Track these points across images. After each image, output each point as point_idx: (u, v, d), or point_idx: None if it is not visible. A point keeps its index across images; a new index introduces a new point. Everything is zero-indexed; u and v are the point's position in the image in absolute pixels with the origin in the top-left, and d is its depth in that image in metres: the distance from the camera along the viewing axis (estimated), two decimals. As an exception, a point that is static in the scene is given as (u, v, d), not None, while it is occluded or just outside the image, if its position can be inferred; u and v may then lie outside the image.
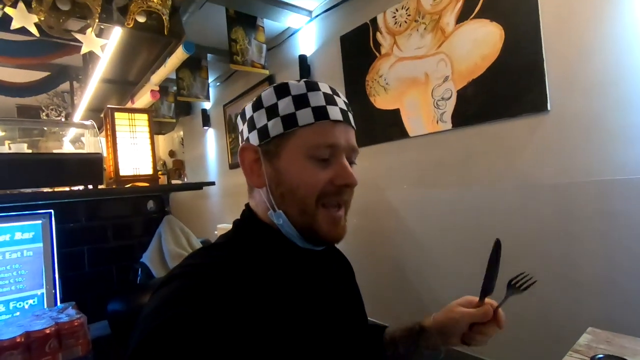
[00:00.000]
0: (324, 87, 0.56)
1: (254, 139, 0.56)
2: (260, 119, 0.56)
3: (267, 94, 0.56)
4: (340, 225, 0.56)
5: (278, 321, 0.47)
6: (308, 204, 0.53)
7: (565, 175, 1.26)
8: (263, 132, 0.55)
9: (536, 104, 1.31)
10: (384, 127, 1.86)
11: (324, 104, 0.54)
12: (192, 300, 0.42)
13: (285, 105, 0.54)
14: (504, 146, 1.43)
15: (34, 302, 1.18)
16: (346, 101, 0.60)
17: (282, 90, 0.55)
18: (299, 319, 0.50)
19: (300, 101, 0.54)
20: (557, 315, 1.30)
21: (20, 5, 1.22)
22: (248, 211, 0.61)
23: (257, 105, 0.56)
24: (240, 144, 0.60)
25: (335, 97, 0.57)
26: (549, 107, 1.28)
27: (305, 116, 0.53)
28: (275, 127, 0.54)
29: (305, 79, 0.56)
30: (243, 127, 0.59)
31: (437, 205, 1.67)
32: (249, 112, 0.58)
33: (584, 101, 1.21)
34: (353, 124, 0.58)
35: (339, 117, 0.55)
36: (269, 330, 0.45)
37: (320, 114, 0.53)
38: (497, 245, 0.60)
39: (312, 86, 0.55)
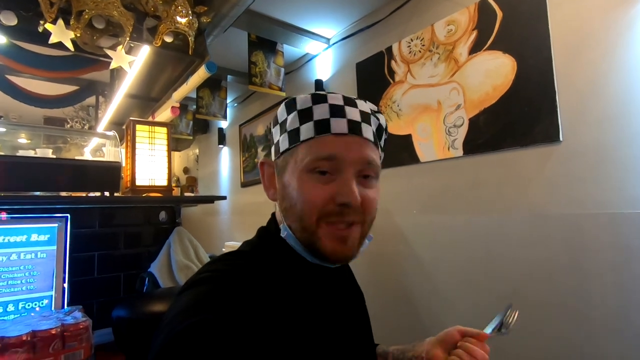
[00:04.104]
0: (333, 99, 0.54)
1: (273, 153, 0.59)
2: (276, 134, 0.58)
3: (280, 110, 0.57)
4: (347, 244, 0.52)
5: (290, 333, 0.47)
6: (307, 221, 0.51)
7: (577, 206, 1.25)
8: (277, 148, 0.57)
9: (548, 134, 1.32)
10: (395, 151, 1.88)
11: (327, 116, 0.51)
12: (216, 306, 0.43)
13: (292, 121, 0.54)
14: (515, 175, 1.43)
15: (42, 304, 1.20)
16: (367, 110, 0.56)
17: (290, 105, 0.55)
18: (309, 334, 0.50)
19: (305, 115, 0.53)
20: (568, 351, 1.25)
21: (60, 22, 1.31)
22: (273, 221, 0.61)
23: (274, 121, 0.58)
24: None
25: (348, 107, 0.53)
26: (561, 138, 1.29)
27: (307, 130, 0.52)
28: (283, 142, 0.55)
29: (314, 92, 0.55)
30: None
31: (446, 232, 1.66)
32: (272, 127, 0.60)
33: (597, 133, 1.21)
34: (371, 135, 0.54)
35: (344, 129, 0.51)
36: (288, 341, 0.46)
37: (321, 127, 0.51)
38: (508, 307, 0.66)
39: (318, 99, 0.53)
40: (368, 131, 0.54)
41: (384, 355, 0.70)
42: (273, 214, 0.62)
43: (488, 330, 0.62)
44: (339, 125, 0.51)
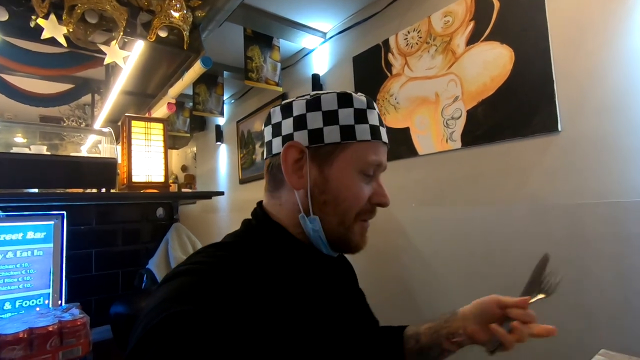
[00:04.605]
0: (376, 108, 0.59)
1: (301, 138, 0.54)
2: (315, 120, 0.54)
3: (329, 99, 0.55)
4: (365, 237, 0.59)
5: (284, 323, 0.46)
6: (348, 216, 0.55)
7: (577, 196, 1.25)
8: (316, 135, 0.54)
9: (547, 124, 1.31)
10: (393, 145, 1.87)
11: (377, 124, 0.57)
12: (194, 297, 0.42)
13: (346, 116, 0.54)
14: (514, 166, 1.42)
15: (40, 301, 1.19)
16: None
17: (346, 99, 0.55)
18: (304, 322, 0.49)
19: (360, 116, 0.55)
20: (568, 340, 1.24)
21: (52, 17, 1.29)
22: (261, 211, 0.60)
23: (314, 106, 0.55)
24: (270, 137, 0.59)
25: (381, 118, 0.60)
26: (559, 128, 1.28)
27: (363, 132, 0.55)
28: (332, 134, 0.54)
29: (363, 95, 0.58)
30: (283, 121, 0.57)
31: (446, 225, 1.65)
32: (299, 109, 0.56)
33: (596, 122, 1.20)
34: None
35: (386, 139, 0.59)
36: (273, 332, 0.44)
37: (376, 133, 0.56)
38: (546, 259, 0.64)
39: (370, 104, 0.57)
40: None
41: (415, 337, 0.69)
42: (260, 204, 0.61)
43: (530, 294, 0.60)
44: (384, 135, 0.58)
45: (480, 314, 0.62)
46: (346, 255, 0.70)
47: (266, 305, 0.46)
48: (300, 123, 0.55)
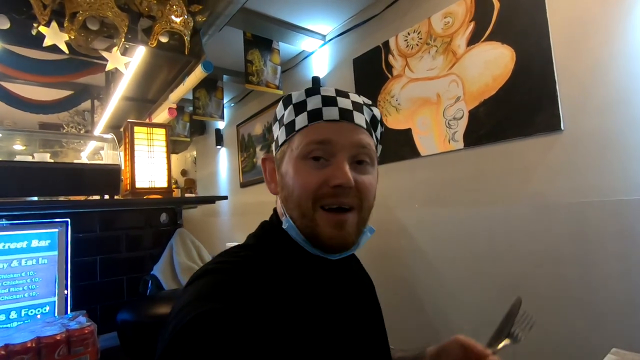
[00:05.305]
0: (326, 91, 0.56)
1: (274, 148, 0.61)
2: (275, 130, 0.60)
3: (279, 107, 0.60)
4: (345, 229, 0.52)
5: (290, 324, 0.47)
6: (305, 205, 0.52)
7: (580, 195, 1.25)
8: (276, 143, 0.59)
9: (549, 123, 1.31)
10: (395, 146, 1.87)
11: (320, 106, 0.54)
12: (221, 295, 0.43)
13: (288, 114, 0.57)
14: (517, 166, 1.42)
15: (45, 310, 1.19)
16: (359, 101, 0.58)
17: (287, 100, 0.58)
18: (310, 326, 0.49)
19: (299, 108, 0.56)
20: (577, 340, 1.24)
21: (53, 24, 1.29)
22: (275, 214, 0.62)
23: (274, 119, 0.62)
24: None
25: (340, 97, 0.56)
26: (562, 127, 1.28)
27: (301, 121, 0.55)
28: (281, 136, 0.58)
29: (308, 87, 0.58)
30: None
31: (449, 225, 1.65)
32: (273, 124, 0.63)
33: (599, 120, 1.21)
34: (363, 122, 0.56)
35: (336, 116, 0.53)
36: (285, 332, 0.45)
37: (314, 116, 0.54)
38: (518, 302, 0.62)
39: (312, 92, 0.56)
40: (360, 118, 0.56)
41: None
42: (275, 209, 0.63)
43: (497, 339, 0.59)
44: (330, 112, 0.54)
45: (444, 356, 0.62)
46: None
47: (277, 307, 0.47)
48: (272, 138, 0.63)
